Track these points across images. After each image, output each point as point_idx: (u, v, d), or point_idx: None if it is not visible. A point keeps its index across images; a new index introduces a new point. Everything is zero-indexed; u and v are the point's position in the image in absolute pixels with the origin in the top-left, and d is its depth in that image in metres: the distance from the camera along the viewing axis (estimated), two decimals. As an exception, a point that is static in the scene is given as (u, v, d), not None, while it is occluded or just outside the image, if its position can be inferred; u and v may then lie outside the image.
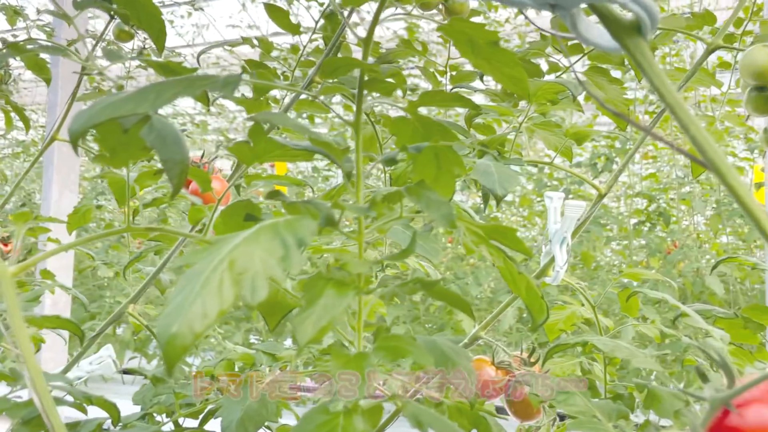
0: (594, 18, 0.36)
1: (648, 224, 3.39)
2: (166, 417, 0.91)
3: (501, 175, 0.62)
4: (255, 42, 1.02)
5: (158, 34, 0.60)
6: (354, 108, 0.44)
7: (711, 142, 0.32)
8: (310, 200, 0.42)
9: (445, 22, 0.47)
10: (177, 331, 0.31)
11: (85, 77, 0.86)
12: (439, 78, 1.13)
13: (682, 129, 0.32)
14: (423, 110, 0.51)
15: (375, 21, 0.41)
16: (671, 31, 0.86)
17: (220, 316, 0.33)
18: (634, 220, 3.45)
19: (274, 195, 0.48)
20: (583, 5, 0.34)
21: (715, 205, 3.32)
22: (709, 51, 0.77)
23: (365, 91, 0.42)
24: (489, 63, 0.49)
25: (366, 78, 0.42)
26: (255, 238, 0.35)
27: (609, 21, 0.34)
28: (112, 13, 0.60)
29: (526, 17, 0.36)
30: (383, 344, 0.42)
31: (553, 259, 0.79)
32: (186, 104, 4.75)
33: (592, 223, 3.28)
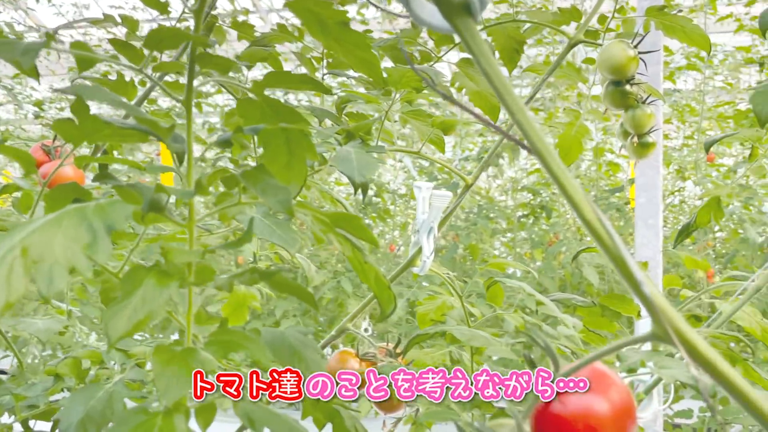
0: None
1: (532, 217, 3.51)
2: (15, 418, 0.85)
3: (360, 162, 0.60)
4: (118, 20, 0.96)
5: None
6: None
7: (536, 129, 0.31)
8: (136, 184, 0.39)
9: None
10: (-49, 327, 0.28)
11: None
12: (316, 65, 1.11)
13: (508, 114, 0.32)
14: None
15: (206, -8, 0.39)
16: (540, 25, 0.87)
17: (8, 309, 0.29)
18: (519, 213, 3.55)
19: (103, 177, 0.44)
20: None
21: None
22: (571, 45, 0.79)
23: (198, 67, 0.40)
24: (340, 44, 0.47)
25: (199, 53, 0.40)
26: (57, 224, 0.32)
27: (440, 0, 0.32)
28: None
29: (369, 1, 0.35)
30: (215, 339, 0.39)
31: (421, 249, 0.79)
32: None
33: (479, 216, 3.35)
